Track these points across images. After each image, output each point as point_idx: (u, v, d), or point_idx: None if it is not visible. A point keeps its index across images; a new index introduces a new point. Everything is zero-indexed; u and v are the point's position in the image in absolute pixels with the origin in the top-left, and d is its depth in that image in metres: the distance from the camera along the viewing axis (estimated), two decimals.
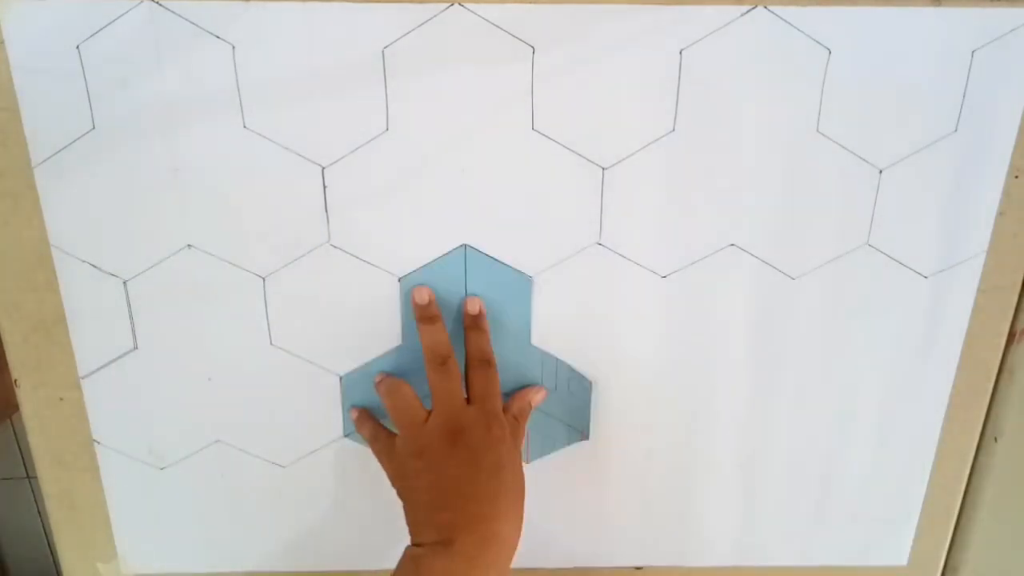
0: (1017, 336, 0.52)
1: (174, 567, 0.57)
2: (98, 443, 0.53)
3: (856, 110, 0.45)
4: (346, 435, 0.53)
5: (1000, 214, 0.48)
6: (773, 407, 0.53)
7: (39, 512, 0.97)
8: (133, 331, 0.50)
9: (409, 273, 0.49)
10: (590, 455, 0.54)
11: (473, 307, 0.49)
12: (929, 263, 0.50)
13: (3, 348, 0.50)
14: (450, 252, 0.48)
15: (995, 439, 0.54)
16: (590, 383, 0.52)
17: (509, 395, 0.51)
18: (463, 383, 0.47)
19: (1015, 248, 0.49)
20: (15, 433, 0.90)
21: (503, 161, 0.46)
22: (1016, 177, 0.47)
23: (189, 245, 0.48)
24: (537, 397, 0.51)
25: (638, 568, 0.59)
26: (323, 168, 0.46)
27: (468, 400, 0.46)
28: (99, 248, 0.47)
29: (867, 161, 0.47)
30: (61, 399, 0.51)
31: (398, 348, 0.51)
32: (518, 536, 0.45)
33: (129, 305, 0.49)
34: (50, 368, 0.50)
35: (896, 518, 0.58)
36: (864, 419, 0.54)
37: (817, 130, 0.46)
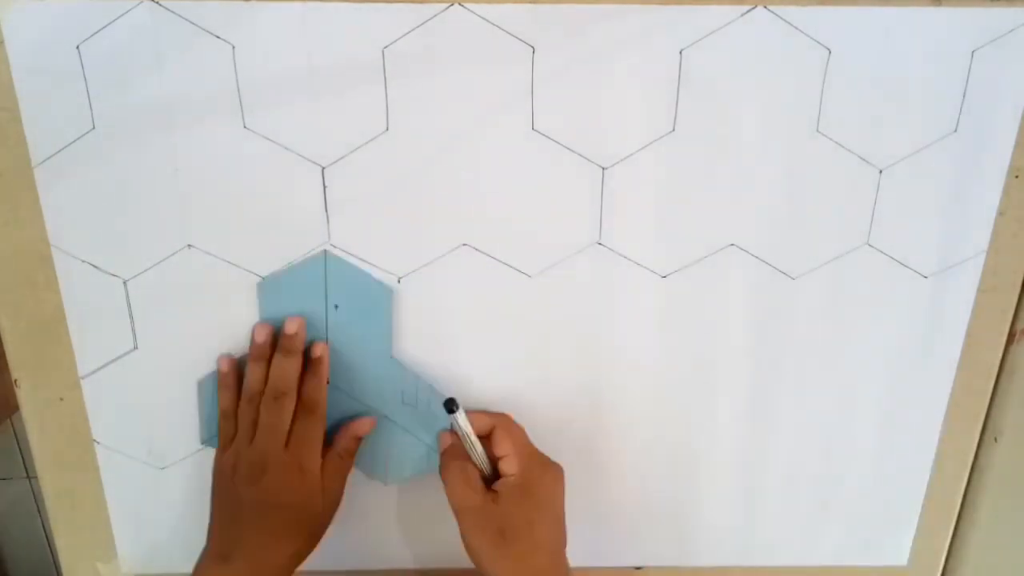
0: (1017, 336, 0.52)
1: (174, 567, 0.57)
2: (98, 443, 0.53)
3: (856, 110, 0.45)
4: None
5: (1000, 214, 0.48)
6: (773, 407, 0.53)
7: (39, 512, 0.97)
8: (133, 331, 0.50)
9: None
10: (590, 455, 0.54)
11: (291, 327, 0.48)
12: (929, 263, 0.50)
13: (3, 348, 0.50)
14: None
15: (995, 439, 0.54)
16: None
17: (360, 413, 0.51)
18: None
19: (1015, 248, 0.49)
20: (15, 433, 0.90)
21: (503, 161, 0.46)
22: (1016, 177, 0.47)
23: (189, 245, 0.48)
24: (364, 428, 0.51)
25: (638, 568, 0.59)
26: (323, 168, 0.46)
27: (287, 443, 0.47)
28: (99, 248, 0.47)
29: (867, 161, 0.47)
30: (61, 399, 0.51)
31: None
32: (293, 563, 0.48)
33: (129, 305, 0.49)
34: (50, 368, 0.50)
35: (896, 518, 0.58)
36: (864, 419, 0.54)
37: (817, 130, 0.46)
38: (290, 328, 0.48)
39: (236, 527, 0.47)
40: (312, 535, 0.49)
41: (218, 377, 0.49)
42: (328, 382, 0.49)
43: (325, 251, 0.47)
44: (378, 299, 0.49)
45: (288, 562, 0.47)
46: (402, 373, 0.50)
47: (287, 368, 0.47)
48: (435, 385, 0.51)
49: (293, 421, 0.47)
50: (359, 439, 0.51)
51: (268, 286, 0.48)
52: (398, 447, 0.52)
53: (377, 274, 0.49)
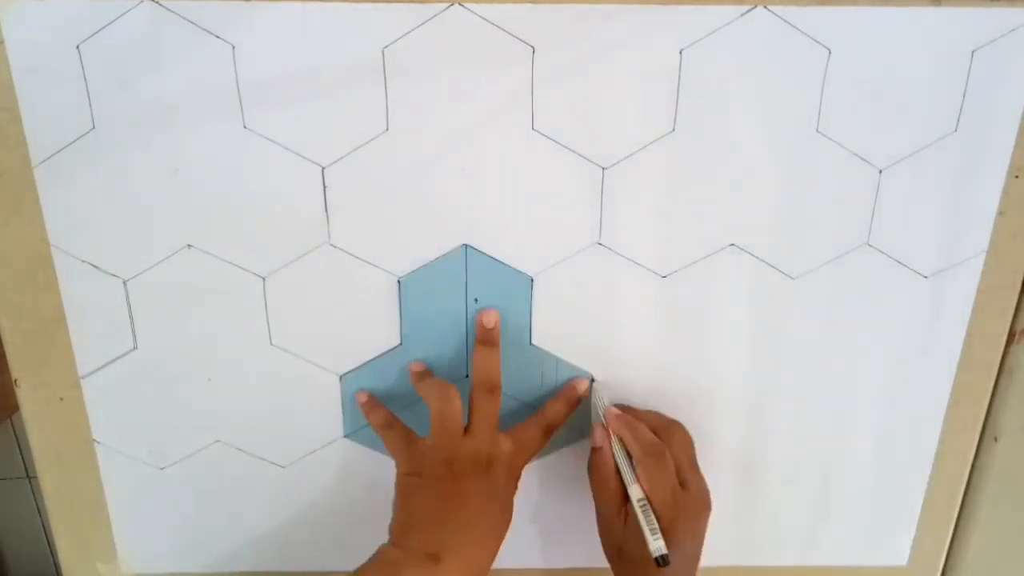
0: (1017, 336, 0.52)
1: (174, 567, 0.57)
2: (98, 443, 0.53)
3: (856, 110, 0.45)
4: (346, 435, 0.53)
5: (1000, 214, 0.48)
6: (773, 407, 0.53)
7: (39, 512, 0.97)
8: (133, 331, 0.50)
9: (409, 273, 0.49)
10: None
11: (489, 320, 0.49)
12: (929, 263, 0.50)
13: (3, 348, 0.50)
14: (450, 252, 0.48)
15: (995, 439, 0.54)
16: (592, 380, 0.52)
17: (510, 397, 0.51)
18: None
19: (1015, 248, 0.49)
20: (15, 433, 0.90)
21: (503, 161, 0.46)
22: (1016, 177, 0.47)
23: (189, 245, 0.48)
24: (580, 388, 0.51)
25: None
26: (323, 168, 0.46)
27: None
28: (99, 248, 0.47)
29: (867, 161, 0.47)
30: (61, 399, 0.51)
31: (396, 348, 0.51)
32: (489, 569, 0.46)
33: (129, 305, 0.49)
34: (50, 368, 0.50)
35: (896, 518, 0.58)
36: (864, 419, 0.54)
37: (817, 130, 0.46)
38: (488, 321, 0.48)
39: (446, 527, 0.44)
40: (505, 528, 0.47)
41: (412, 377, 0.50)
42: (468, 375, 0.50)
43: (465, 245, 0.48)
44: (518, 289, 0.49)
45: (492, 561, 0.46)
46: (541, 360, 0.51)
47: (493, 359, 0.48)
48: (574, 371, 0.51)
49: (477, 403, 0.47)
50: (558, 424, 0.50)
51: (409, 283, 0.48)
52: None
53: (378, 274, 0.49)
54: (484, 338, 0.49)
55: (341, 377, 0.52)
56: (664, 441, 0.47)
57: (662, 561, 0.44)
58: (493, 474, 0.46)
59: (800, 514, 0.57)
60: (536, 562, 0.58)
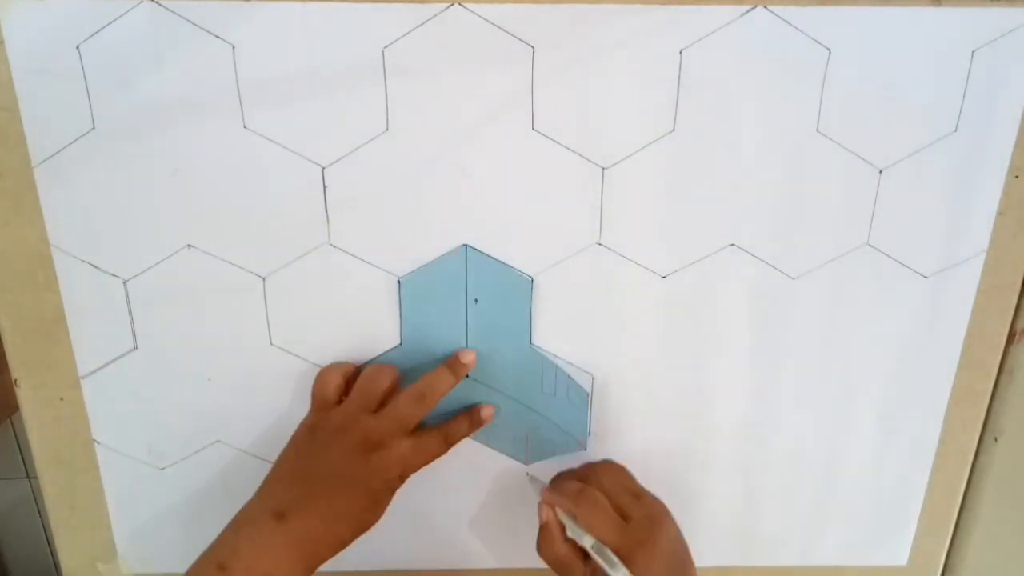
0: (1017, 336, 0.52)
1: (174, 567, 0.57)
2: (98, 443, 0.53)
3: (856, 110, 0.45)
4: None
5: (1000, 214, 0.48)
6: (773, 407, 0.53)
7: (39, 512, 0.97)
8: (133, 331, 0.50)
9: (409, 273, 0.49)
10: (590, 455, 0.54)
11: (466, 357, 0.49)
12: (929, 263, 0.50)
13: (3, 348, 0.50)
14: (450, 252, 0.48)
15: (995, 439, 0.54)
16: (588, 393, 0.52)
17: (499, 403, 0.52)
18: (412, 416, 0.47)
19: (1015, 248, 0.49)
20: (15, 433, 0.90)
21: (503, 161, 0.46)
22: (1016, 177, 0.47)
23: (189, 245, 0.48)
24: (484, 413, 0.51)
25: None
26: (323, 168, 0.46)
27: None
28: (99, 248, 0.47)
29: (867, 161, 0.47)
30: (61, 399, 0.51)
31: (397, 348, 0.51)
32: (331, 555, 0.45)
33: (129, 305, 0.49)
34: (50, 368, 0.50)
35: (896, 518, 0.58)
36: (864, 419, 0.54)
37: (817, 130, 0.46)
38: (467, 359, 0.49)
39: (304, 487, 0.45)
40: (365, 528, 0.46)
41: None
42: (468, 376, 0.50)
43: (465, 246, 0.48)
44: (518, 290, 0.49)
45: (338, 543, 0.45)
46: (541, 362, 0.51)
47: (447, 385, 0.48)
48: (572, 374, 0.51)
49: (399, 402, 0.47)
50: (476, 426, 0.51)
51: (409, 284, 0.48)
52: (537, 433, 0.53)
53: (378, 274, 0.49)
54: (452, 364, 0.49)
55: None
56: (593, 483, 0.48)
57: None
58: (373, 461, 0.45)
59: (800, 514, 0.57)
60: (536, 562, 0.58)
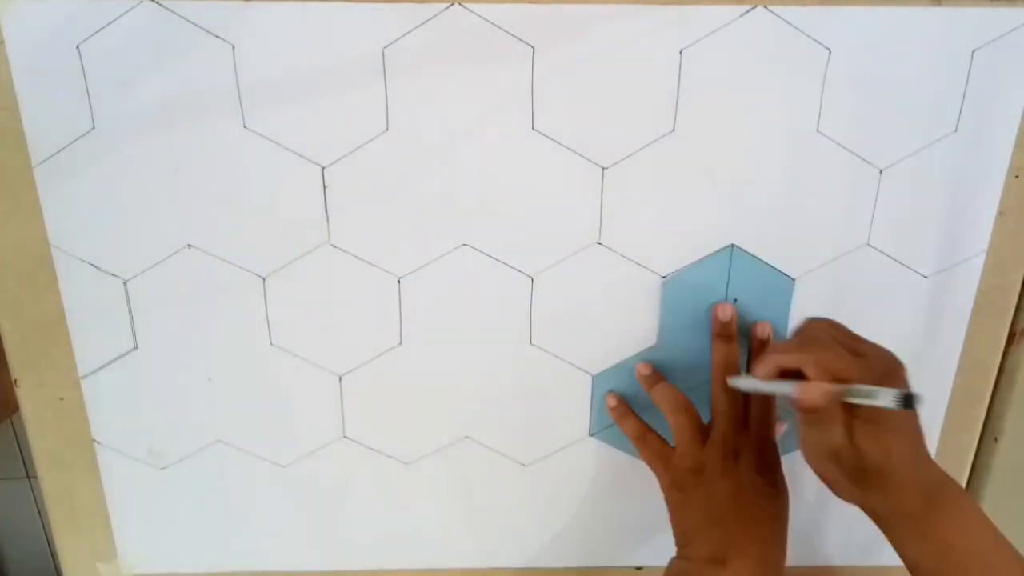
0: (1017, 336, 0.52)
1: (174, 567, 0.57)
2: (98, 443, 0.53)
3: (856, 110, 0.45)
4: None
5: (1000, 214, 0.48)
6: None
7: (39, 512, 0.97)
8: (133, 331, 0.50)
9: (673, 272, 0.49)
10: (590, 455, 0.54)
11: (724, 313, 0.48)
12: (929, 263, 0.50)
13: (3, 348, 0.50)
14: (718, 251, 0.48)
15: (995, 439, 0.54)
16: None
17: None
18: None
19: (1015, 248, 0.49)
20: (15, 433, 0.90)
21: (503, 161, 0.46)
22: (1016, 177, 0.47)
23: (189, 245, 0.48)
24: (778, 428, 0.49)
25: (638, 568, 0.59)
26: (323, 168, 0.46)
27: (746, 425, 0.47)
28: (99, 248, 0.47)
29: (867, 161, 0.47)
30: (61, 399, 0.51)
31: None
32: (783, 561, 0.45)
33: (129, 305, 0.49)
34: (50, 368, 0.50)
35: None
36: None
37: (817, 130, 0.46)
38: (724, 315, 0.48)
39: (722, 528, 0.44)
40: (786, 520, 0.45)
41: (613, 414, 0.50)
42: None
43: (732, 245, 0.48)
44: (780, 291, 0.49)
45: (783, 551, 0.44)
46: None
47: (731, 354, 0.48)
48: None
49: (747, 407, 0.47)
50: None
51: (672, 283, 0.49)
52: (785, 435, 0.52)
53: (378, 274, 0.49)
54: (719, 332, 0.48)
55: (341, 377, 0.52)
56: (807, 337, 0.43)
57: (909, 401, 0.37)
58: (744, 465, 0.45)
59: (800, 514, 0.57)
60: (537, 562, 0.58)
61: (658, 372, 0.50)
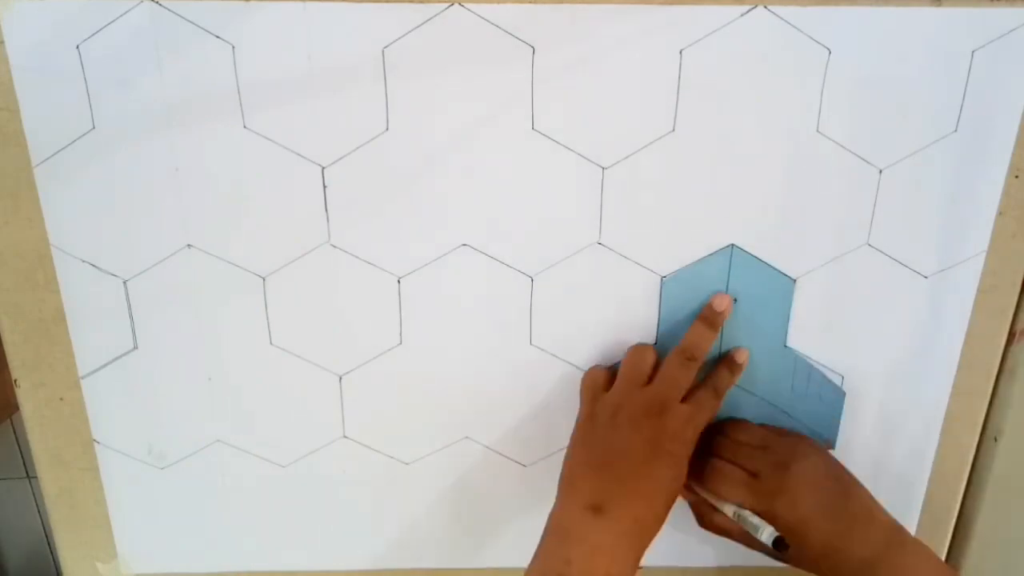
0: (1017, 336, 0.52)
1: (174, 567, 0.57)
2: (98, 443, 0.53)
3: (856, 110, 0.45)
4: (346, 436, 0.53)
5: (1000, 214, 0.48)
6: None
7: (39, 512, 0.97)
8: (133, 331, 0.50)
9: (673, 272, 0.49)
10: None
11: (720, 303, 0.48)
12: (929, 263, 0.50)
13: (3, 348, 0.50)
14: (718, 251, 0.48)
15: (995, 439, 0.54)
16: (844, 393, 0.52)
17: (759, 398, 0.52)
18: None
19: (1015, 248, 0.49)
20: (15, 433, 0.90)
21: (503, 161, 0.46)
22: (1016, 177, 0.47)
23: (189, 245, 0.48)
24: (739, 358, 0.50)
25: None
26: (323, 168, 0.46)
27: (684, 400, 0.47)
28: (99, 248, 0.47)
29: (867, 161, 0.47)
30: (61, 399, 0.51)
31: (396, 349, 0.51)
32: (657, 530, 0.45)
33: (129, 305, 0.49)
34: (50, 368, 0.50)
35: (896, 518, 0.57)
36: (864, 419, 0.54)
37: (817, 130, 0.46)
38: (720, 305, 0.48)
39: (608, 473, 0.44)
40: (675, 497, 0.46)
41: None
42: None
43: (732, 245, 0.48)
44: (779, 291, 0.49)
45: (660, 520, 0.44)
46: (794, 363, 0.51)
47: (705, 338, 0.48)
48: (827, 375, 0.52)
49: (693, 386, 0.47)
50: (736, 371, 0.50)
51: (671, 282, 0.49)
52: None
53: (378, 274, 0.49)
54: (707, 316, 0.48)
55: (341, 377, 0.52)
56: (717, 451, 0.49)
57: (781, 544, 0.44)
58: (664, 423, 0.45)
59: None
60: None
61: (722, 316, 0.49)
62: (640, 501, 0.43)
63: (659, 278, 0.49)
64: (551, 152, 0.46)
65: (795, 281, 0.49)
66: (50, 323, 0.49)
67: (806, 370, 0.52)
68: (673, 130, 0.46)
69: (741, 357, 0.50)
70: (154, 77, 0.43)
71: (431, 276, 0.49)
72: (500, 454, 0.54)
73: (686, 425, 0.46)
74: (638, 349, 0.49)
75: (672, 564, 0.59)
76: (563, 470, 0.47)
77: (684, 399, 0.47)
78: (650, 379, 0.47)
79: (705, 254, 0.49)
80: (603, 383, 0.49)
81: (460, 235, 0.48)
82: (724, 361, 0.51)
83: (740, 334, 0.50)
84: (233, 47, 0.43)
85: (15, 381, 0.50)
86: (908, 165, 0.47)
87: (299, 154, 0.46)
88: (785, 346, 0.51)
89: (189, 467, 0.54)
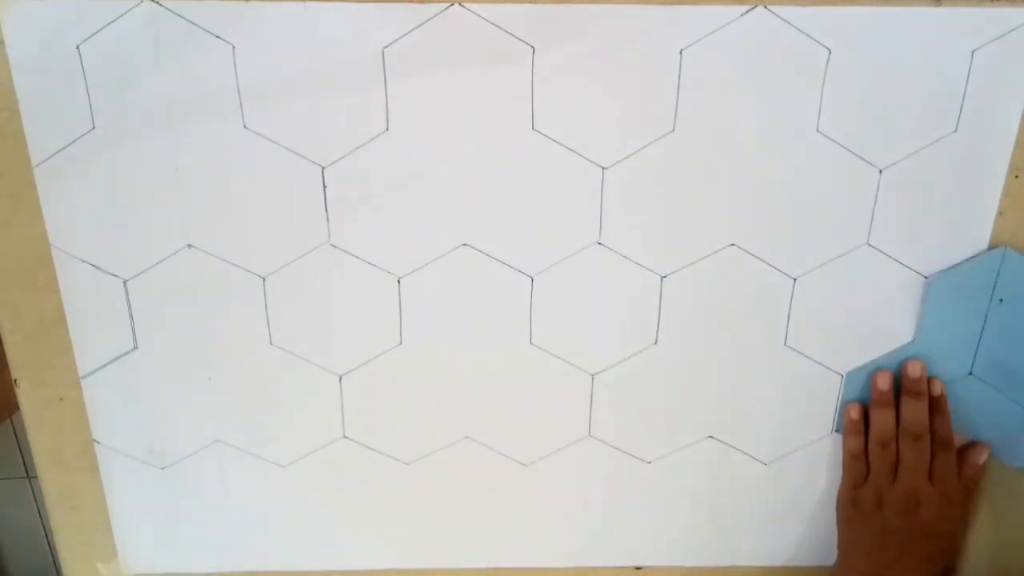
0: None
1: (174, 567, 0.57)
2: (98, 443, 0.53)
3: (856, 110, 0.45)
4: (346, 436, 0.53)
5: (1000, 214, 0.48)
6: (773, 407, 0.53)
7: (39, 512, 0.97)
8: (133, 331, 0.50)
9: (939, 272, 0.49)
10: (590, 455, 0.54)
11: (914, 370, 0.50)
12: (929, 263, 0.50)
13: (3, 348, 0.50)
14: (987, 253, 0.48)
15: None
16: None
17: (1005, 405, 0.52)
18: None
19: (1015, 248, 0.49)
20: (15, 433, 0.90)
21: (503, 161, 0.46)
22: (1016, 177, 0.47)
23: (189, 245, 0.48)
24: (981, 457, 0.52)
25: (638, 568, 0.59)
26: (323, 168, 0.46)
27: (931, 478, 0.50)
28: (99, 248, 0.47)
29: (867, 161, 0.47)
30: (61, 399, 0.51)
31: (396, 349, 0.51)
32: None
33: (129, 305, 0.49)
34: (50, 368, 0.50)
35: None
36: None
37: (817, 130, 0.46)
38: (914, 372, 0.50)
39: (885, 553, 0.51)
40: (952, 556, 0.54)
41: (846, 424, 0.52)
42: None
43: (1005, 248, 0.48)
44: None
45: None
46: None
47: (920, 410, 0.50)
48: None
49: (932, 459, 0.50)
50: (982, 467, 0.52)
51: (936, 284, 0.49)
52: None
53: (378, 274, 0.49)
54: (910, 388, 0.50)
55: (341, 377, 0.52)
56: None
57: None
58: (921, 516, 0.50)
59: (800, 514, 0.57)
60: (537, 562, 0.58)
61: (888, 392, 0.51)
62: (911, 571, 0.51)
63: (659, 278, 0.49)
64: (551, 152, 0.46)
65: (795, 280, 0.49)
66: (50, 323, 0.49)
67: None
68: (673, 130, 0.46)
69: (937, 389, 0.51)
70: (154, 77, 0.43)
71: (431, 276, 0.49)
72: (500, 454, 0.54)
73: (941, 506, 0.50)
74: (886, 436, 0.50)
75: (672, 564, 0.59)
76: (840, 541, 0.54)
77: (931, 475, 0.50)
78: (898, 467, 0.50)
79: (705, 254, 0.49)
80: (865, 460, 0.52)
81: (460, 235, 0.48)
82: (931, 406, 0.51)
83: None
84: (233, 47, 0.43)
85: (15, 381, 0.50)
86: (908, 165, 0.47)
87: (299, 154, 0.46)
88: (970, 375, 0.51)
89: (189, 467, 0.54)
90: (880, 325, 0.51)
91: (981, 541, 0.56)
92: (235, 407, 0.52)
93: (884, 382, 0.50)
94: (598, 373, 0.52)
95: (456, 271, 0.49)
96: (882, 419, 0.50)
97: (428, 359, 0.51)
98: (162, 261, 0.48)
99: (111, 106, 0.44)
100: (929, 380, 0.51)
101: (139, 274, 0.48)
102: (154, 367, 0.50)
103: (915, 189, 0.47)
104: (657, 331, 0.51)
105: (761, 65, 0.44)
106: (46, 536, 0.98)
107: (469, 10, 0.43)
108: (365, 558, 0.57)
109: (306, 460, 0.54)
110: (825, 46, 0.44)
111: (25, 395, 0.51)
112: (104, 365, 0.50)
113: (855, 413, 0.52)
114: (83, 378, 0.51)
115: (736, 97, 0.45)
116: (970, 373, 0.51)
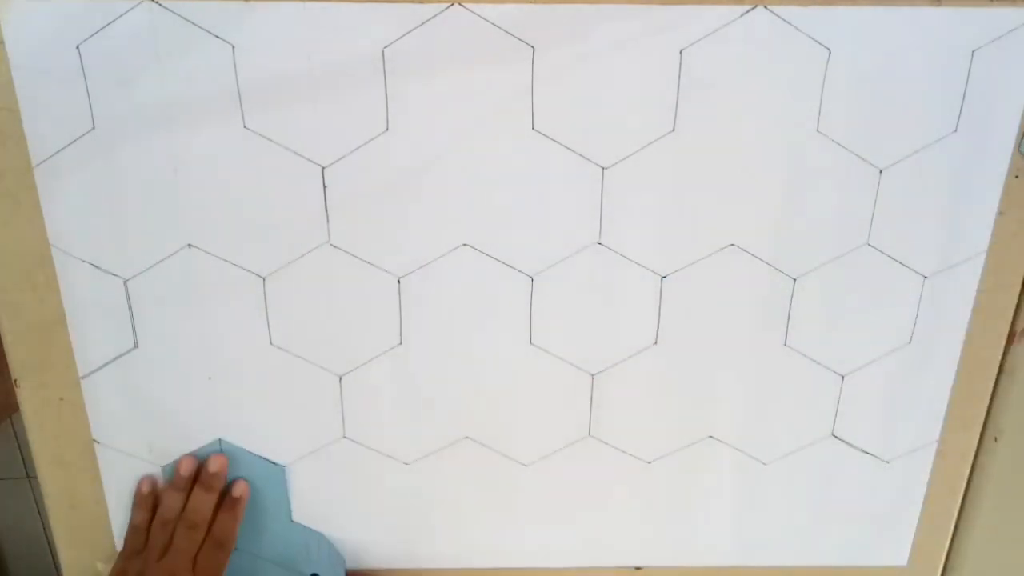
0: (1017, 336, 0.52)
1: None
2: (98, 443, 0.53)
3: (856, 110, 0.45)
4: (345, 436, 0.53)
5: (1000, 214, 0.48)
6: (773, 407, 0.53)
7: (39, 512, 0.97)
8: (133, 331, 0.50)
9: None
10: (590, 455, 0.54)
11: (213, 464, 0.51)
12: (929, 263, 0.50)
13: (3, 348, 0.50)
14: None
15: (995, 439, 0.54)
16: (343, 560, 0.55)
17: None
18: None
19: (1015, 248, 0.49)
20: (15, 433, 0.90)
21: (503, 161, 0.46)
22: (1016, 177, 0.47)
23: (189, 245, 0.48)
24: (237, 491, 0.52)
25: (638, 568, 0.59)
26: (323, 168, 0.46)
27: (194, 568, 0.49)
28: (99, 248, 0.47)
29: (867, 161, 0.47)
30: (61, 399, 0.51)
31: (396, 349, 0.51)
32: None
33: (129, 305, 0.49)
34: (50, 368, 0.50)
35: (896, 518, 0.58)
36: (864, 419, 0.54)
37: (817, 130, 0.46)
38: (213, 467, 0.51)
39: None
40: None
41: (136, 497, 0.53)
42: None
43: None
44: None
45: None
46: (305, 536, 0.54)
47: (205, 502, 0.51)
48: (334, 545, 0.55)
49: (200, 549, 0.50)
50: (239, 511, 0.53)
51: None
52: None
53: (378, 274, 0.49)
54: (203, 480, 0.51)
55: (341, 377, 0.52)
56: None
57: None
58: None
59: (800, 514, 0.57)
60: (536, 562, 0.58)
61: (188, 479, 0.52)
62: None
63: (659, 278, 0.49)
64: (551, 152, 0.46)
65: (795, 280, 0.49)
66: (50, 323, 0.49)
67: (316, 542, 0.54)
68: (673, 130, 0.46)
69: (238, 490, 0.52)
70: (154, 77, 0.43)
71: (431, 276, 0.49)
72: (500, 454, 0.54)
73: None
74: (133, 523, 0.52)
75: (672, 564, 0.59)
76: None
77: (194, 565, 0.49)
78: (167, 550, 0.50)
79: (705, 254, 0.49)
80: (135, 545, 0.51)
81: (460, 235, 0.48)
82: (224, 505, 0.52)
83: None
84: (233, 47, 0.43)
85: (15, 381, 0.50)
86: (908, 165, 0.47)
87: (299, 154, 0.46)
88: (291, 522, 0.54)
89: None
90: (880, 325, 0.51)
91: (985, 540, 0.57)
92: (235, 407, 0.52)
93: (187, 468, 0.51)
94: (598, 373, 0.52)
95: (456, 271, 0.49)
96: (171, 500, 0.51)
97: (428, 359, 0.51)
98: (162, 261, 0.48)
99: (111, 106, 0.44)
100: (233, 482, 0.52)
101: (139, 274, 0.48)
102: (154, 367, 0.50)
103: (915, 189, 0.47)
104: (657, 331, 0.51)
105: (761, 65, 0.44)
106: (46, 536, 0.98)
107: (469, 10, 0.43)
108: (364, 557, 0.57)
109: (306, 460, 0.54)
110: (825, 46, 0.44)
111: (25, 395, 0.51)
112: (104, 365, 0.50)
113: (146, 488, 0.52)
114: (83, 378, 0.51)
115: (736, 97, 0.45)
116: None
